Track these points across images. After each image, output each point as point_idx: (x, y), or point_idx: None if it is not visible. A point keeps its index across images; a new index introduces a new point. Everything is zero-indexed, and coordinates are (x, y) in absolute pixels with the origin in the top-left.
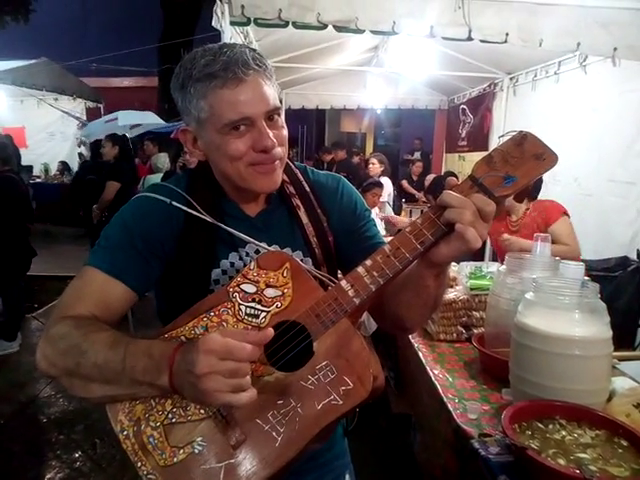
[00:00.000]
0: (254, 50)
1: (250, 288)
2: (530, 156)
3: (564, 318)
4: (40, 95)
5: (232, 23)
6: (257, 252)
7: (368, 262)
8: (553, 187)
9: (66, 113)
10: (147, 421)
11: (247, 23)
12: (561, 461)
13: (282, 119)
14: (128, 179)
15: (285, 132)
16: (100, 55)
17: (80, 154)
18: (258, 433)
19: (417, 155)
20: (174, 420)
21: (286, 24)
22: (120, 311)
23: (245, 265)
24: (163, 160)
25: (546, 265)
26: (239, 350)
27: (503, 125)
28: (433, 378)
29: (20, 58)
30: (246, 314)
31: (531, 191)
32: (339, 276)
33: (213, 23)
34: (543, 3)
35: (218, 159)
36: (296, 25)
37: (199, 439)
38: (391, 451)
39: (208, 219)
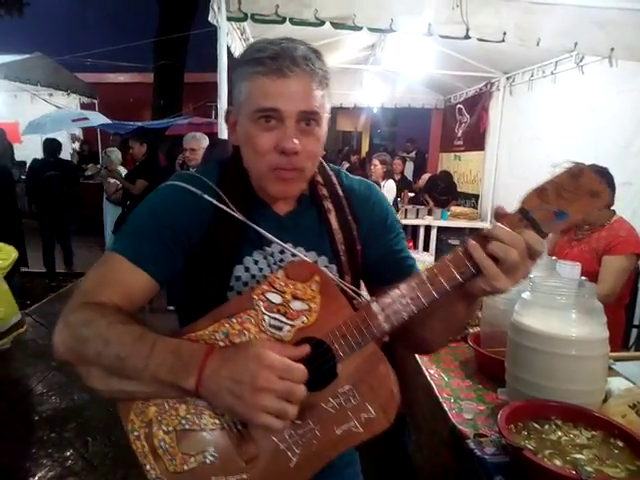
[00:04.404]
0: (315, 51)
1: (276, 298)
2: (585, 192)
3: (560, 318)
4: (34, 90)
5: (229, 19)
6: (282, 252)
7: (402, 287)
8: None
9: (60, 108)
10: (159, 424)
11: (244, 19)
12: (557, 462)
13: (322, 130)
14: (156, 177)
15: (317, 146)
16: (95, 50)
17: (74, 149)
18: (273, 451)
19: (412, 154)
20: (187, 427)
21: (283, 20)
22: (141, 301)
23: (268, 264)
24: (116, 155)
25: (543, 265)
26: (298, 371)
27: (499, 125)
28: (429, 378)
29: (14, 52)
30: (269, 325)
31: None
32: (362, 288)
33: (210, 18)
34: (541, 2)
35: (246, 149)
36: (293, 21)
37: (211, 449)
38: (385, 451)
39: (237, 216)
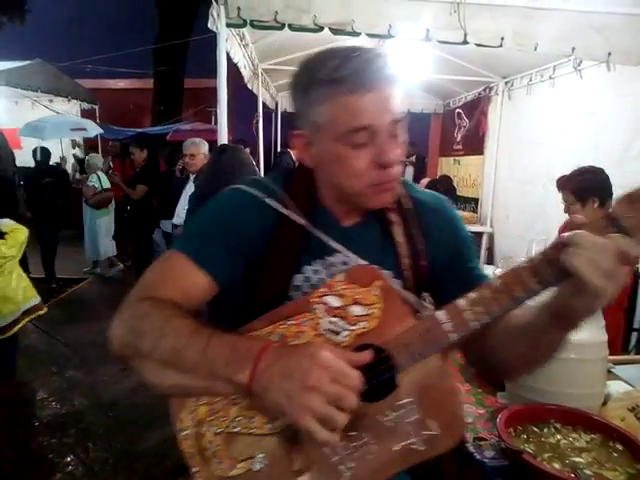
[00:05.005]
0: (381, 55)
1: (335, 301)
2: None
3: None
4: (35, 96)
5: (228, 25)
6: (344, 263)
7: (472, 295)
8: (549, 190)
9: (60, 115)
10: (209, 425)
11: (243, 25)
12: (556, 465)
13: (404, 133)
14: (156, 183)
15: (404, 148)
16: (95, 56)
17: (74, 155)
18: (324, 463)
19: (412, 159)
20: (237, 430)
21: (282, 26)
22: (199, 302)
23: (330, 275)
24: (98, 160)
25: None
26: (352, 377)
27: (498, 129)
28: None
29: (15, 59)
30: (327, 329)
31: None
32: (429, 305)
33: (209, 25)
34: (538, 8)
35: (334, 171)
36: (292, 27)
37: (260, 455)
38: None
39: (301, 221)
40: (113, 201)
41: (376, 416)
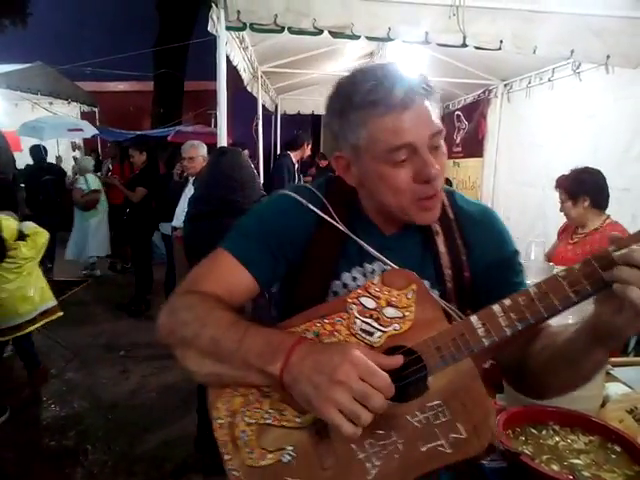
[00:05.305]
0: (416, 71)
1: (369, 303)
2: None
3: (557, 323)
4: (35, 99)
5: (228, 28)
6: (383, 272)
7: (507, 301)
8: (549, 193)
9: (57, 115)
10: (243, 415)
11: (243, 28)
12: (554, 467)
13: (444, 144)
14: (156, 185)
15: (445, 159)
16: (95, 59)
17: (75, 157)
18: (351, 459)
19: None
20: (269, 421)
21: (282, 29)
22: (241, 300)
23: None
24: (88, 162)
25: (540, 270)
26: (381, 378)
27: (497, 131)
28: None
29: (15, 62)
30: (360, 329)
31: (605, 198)
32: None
33: (209, 28)
34: (537, 11)
35: (378, 189)
36: (292, 30)
37: (290, 448)
38: None
39: (342, 228)
40: (106, 203)
41: (405, 416)
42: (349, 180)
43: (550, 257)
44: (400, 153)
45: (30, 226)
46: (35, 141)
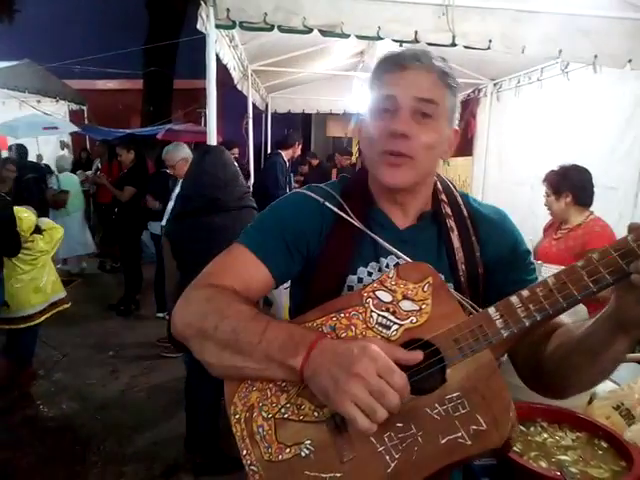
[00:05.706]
0: (443, 59)
1: (385, 296)
2: None
3: None
4: (22, 97)
5: (217, 26)
6: (397, 265)
7: (525, 293)
8: (537, 191)
9: (49, 115)
10: (260, 410)
11: (232, 26)
12: (542, 463)
13: (440, 126)
14: (144, 184)
15: (432, 138)
16: (84, 57)
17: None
18: (370, 453)
19: None
20: (286, 416)
21: (271, 28)
22: (256, 294)
23: None
24: (65, 161)
25: None
26: (398, 376)
27: (487, 130)
28: None
29: (2, 59)
30: (377, 323)
31: (589, 195)
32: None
33: (198, 26)
34: (526, 10)
35: (364, 144)
36: (281, 29)
37: (308, 442)
38: None
39: (357, 224)
40: (81, 202)
41: (424, 408)
42: (361, 145)
43: (535, 254)
44: (384, 103)
45: (46, 222)
46: (19, 141)
